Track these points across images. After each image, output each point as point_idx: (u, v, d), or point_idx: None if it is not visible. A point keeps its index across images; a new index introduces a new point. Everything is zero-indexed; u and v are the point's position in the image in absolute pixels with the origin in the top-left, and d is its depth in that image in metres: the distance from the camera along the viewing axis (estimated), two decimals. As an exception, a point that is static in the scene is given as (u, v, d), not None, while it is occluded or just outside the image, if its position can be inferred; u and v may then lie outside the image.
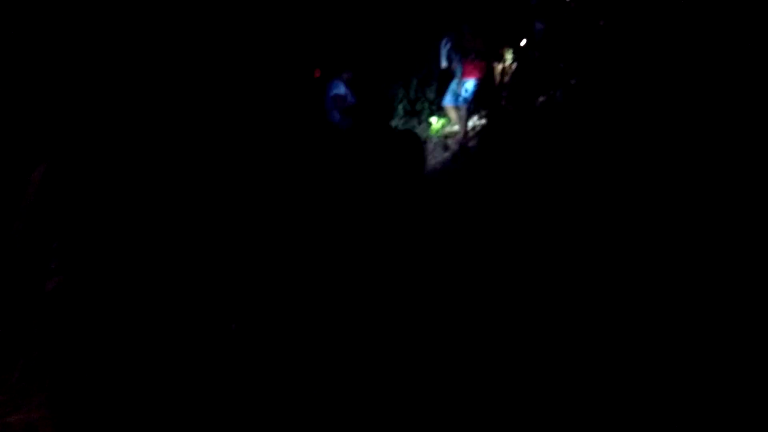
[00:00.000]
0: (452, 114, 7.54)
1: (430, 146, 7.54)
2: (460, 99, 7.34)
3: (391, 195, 2.37)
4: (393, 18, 8.44)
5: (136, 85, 5.42)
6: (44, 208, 2.43)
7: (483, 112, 8.19)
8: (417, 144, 2.45)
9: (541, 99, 7.29)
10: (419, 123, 7.96)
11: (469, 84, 7.24)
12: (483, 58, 7.26)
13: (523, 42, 8.31)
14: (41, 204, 2.43)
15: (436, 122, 7.87)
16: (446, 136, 8.03)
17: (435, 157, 7.39)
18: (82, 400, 2.27)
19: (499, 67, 8.57)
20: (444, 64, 7.38)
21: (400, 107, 7.75)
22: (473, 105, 7.83)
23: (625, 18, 6.71)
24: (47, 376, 2.56)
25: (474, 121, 8.05)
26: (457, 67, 7.24)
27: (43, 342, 2.47)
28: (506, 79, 8.58)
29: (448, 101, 7.35)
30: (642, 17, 5.92)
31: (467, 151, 7.46)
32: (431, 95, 8.22)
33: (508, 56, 8.36)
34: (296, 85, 7.15)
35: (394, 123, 7.75)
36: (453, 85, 7.29)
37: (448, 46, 7.25)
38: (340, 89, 6.44)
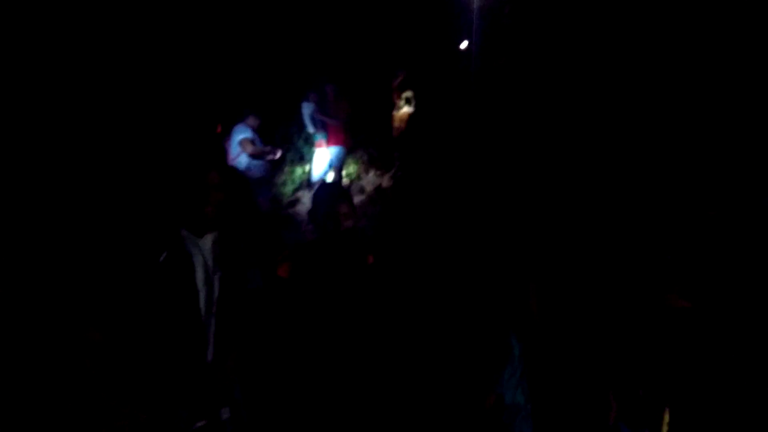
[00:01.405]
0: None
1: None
2: (326, 170, 6.87)
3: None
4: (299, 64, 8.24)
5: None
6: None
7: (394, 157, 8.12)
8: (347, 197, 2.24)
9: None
10: (332, 166, 7.64)
11: (336, 151, 6.74)
12: (346, 126, 6.72)
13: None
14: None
15: (350, 167, 7.62)
16: (360, 179, 7.81)
17: (354, 201, 7.10)
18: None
19: (397, 114, 8.54)
20: (310, 129, 6.95)
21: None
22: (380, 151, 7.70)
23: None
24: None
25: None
26: (321, 134, 6.78)
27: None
28: (403, 125, 8.57)
29: (315, 177, 6.82)
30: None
31: (383, 193, 7.29)
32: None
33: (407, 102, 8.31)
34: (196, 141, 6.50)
35: (306, 167, 7.37)
36: (320, 156, 6.81)
37: (311, 109, 6.82)
38: (247, 133, 5.97)
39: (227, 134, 6.14)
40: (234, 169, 2.21)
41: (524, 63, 6.69)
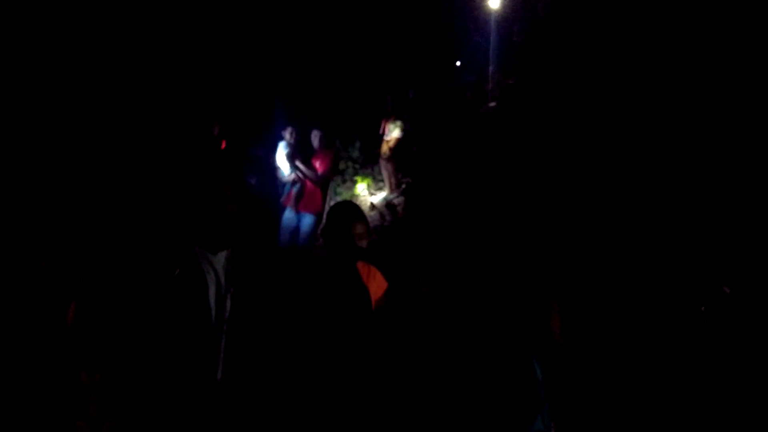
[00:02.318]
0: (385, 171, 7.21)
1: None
2: (298, 239, 5.56)
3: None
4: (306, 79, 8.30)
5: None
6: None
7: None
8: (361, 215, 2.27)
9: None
10: (343, 182, 7.64)
11: (307, 220, 5.54)
12: (324, 183, 5.74)
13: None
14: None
15: (360, 181, 7.61)
16: (371, 194, 7.79)
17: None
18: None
19: (387, 139, 8.42)
20: (283, 167, 5.72)
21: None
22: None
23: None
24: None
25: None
26: (295, 188, 5.58)
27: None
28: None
29: (283, 241, 5.56)
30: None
31: (393, 208, 7.26)
32: (355, 153, 7.96)
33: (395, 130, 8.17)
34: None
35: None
36: (287, 219, 5.59)
37: (289, 150, 5.74)
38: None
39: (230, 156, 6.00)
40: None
41: (535, 81, 6.68)
